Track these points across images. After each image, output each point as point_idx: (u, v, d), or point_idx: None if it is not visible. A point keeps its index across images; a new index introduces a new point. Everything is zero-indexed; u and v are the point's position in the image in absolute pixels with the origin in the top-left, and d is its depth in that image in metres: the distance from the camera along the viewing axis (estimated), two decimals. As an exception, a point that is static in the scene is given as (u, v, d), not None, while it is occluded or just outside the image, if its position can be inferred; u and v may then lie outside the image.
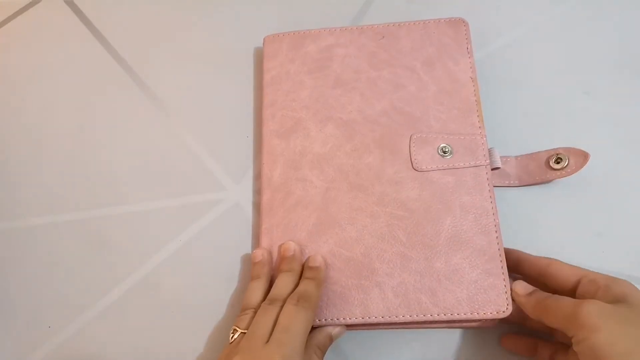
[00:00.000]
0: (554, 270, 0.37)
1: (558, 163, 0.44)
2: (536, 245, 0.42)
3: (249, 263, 0.44)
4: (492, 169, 0.44)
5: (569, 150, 0.44)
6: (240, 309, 0.39)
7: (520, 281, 0.39)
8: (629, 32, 0.50)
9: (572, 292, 0.36)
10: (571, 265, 0.37)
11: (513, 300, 0.38)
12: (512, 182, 0.46)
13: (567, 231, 0.44)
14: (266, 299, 0.38)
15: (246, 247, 0.45)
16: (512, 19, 0.52)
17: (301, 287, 0.39)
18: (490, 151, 0.44)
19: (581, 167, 0.44)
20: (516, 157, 0.46)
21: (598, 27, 0.51)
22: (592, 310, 0.32)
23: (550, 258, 0.38)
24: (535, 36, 0.51)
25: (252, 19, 0.54)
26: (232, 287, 0.43)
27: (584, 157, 0.44)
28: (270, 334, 0.35)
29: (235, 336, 0.37)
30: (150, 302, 0.44)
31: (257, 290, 0.40)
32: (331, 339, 0.40)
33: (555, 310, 0.34)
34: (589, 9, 0.52)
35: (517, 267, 0.40)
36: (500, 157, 0.45)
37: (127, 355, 0.42)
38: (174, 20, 0.55)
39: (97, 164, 0.49)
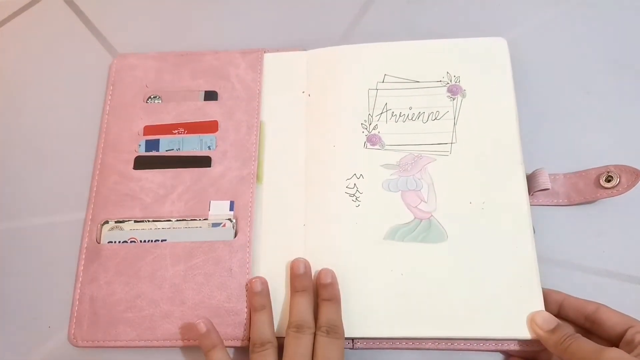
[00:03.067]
0: (602, 316, 0.37)
1: (609, 181, 0.42)
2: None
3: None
4: (541, 190, 0.43)
5: (620, 167, 0.42)
6: (251, 344, 0.39)
7: (542, 312, 0.38)
8: (629, 31, 0.50)
9: (617, 339, 0.35)
10: (620, 313, 0.36)
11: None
12: (560, 200, 0.44)
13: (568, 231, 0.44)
14: (292, 325, 0.39)
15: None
16: (511, 19, 0.51)
17: (324, 314, 0.39)
18: (538, 172, 0.43)
19: (633, 185, 0.41)
20: (564, 174, 0.44)
21: (598, 27, 0.50)
22: (612, 358, 0.32)
23: (597, 303, 0.38)
24: (536, 36, 0.50)
25: (253, 19, 0.53)
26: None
27: (635, 175, 0.41)
28: None
29: None
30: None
31: (265, 323, 0.39)
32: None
33: (577, 354, 0.34)
34: (589, 9, 0.51)
35: (560, 309, 0.39)
36: (549, 174, 0.43)
37: (127, 355, 0.42)
38: (176, 21, 0.54)
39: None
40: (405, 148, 0.44)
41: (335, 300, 0.40)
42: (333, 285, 0.40)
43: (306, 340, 0.38)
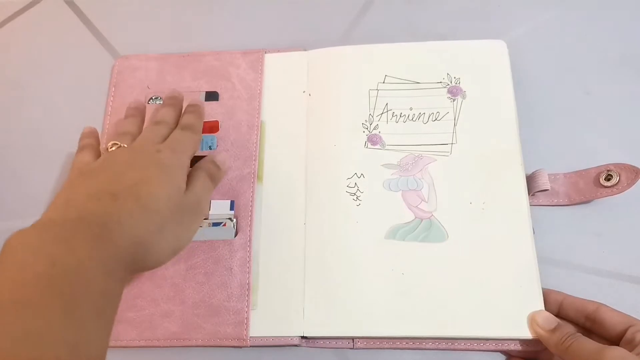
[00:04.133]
0: (602, 316, 0.36)
1: (608, 180, 0.42)
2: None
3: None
4: (541, 191, 0.42)
5: (620, 166, 0.42)
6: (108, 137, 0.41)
7: (542, 312, 0.38)
8: (629, 31, 0.50)
9: (617, 338, 0.35)
10: (620, 312, 0.36)
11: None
12: (560, 200, 0.44)
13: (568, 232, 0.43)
14: (150, 122, 0.41)
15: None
16: (511, 19, 0.51)
17: (184, 118, 0.41)
18: (538, 173, 0.43)
19: (633, 183, 0.41)
20: (564, 174, 0.44)
21: (598, 28, 0.50)
22: (614, 357, 0.32)
23: (597, 302, 0.37)
24: (535, 36, 0.50)
25: (254, 20, 0.53)
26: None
27: (635, 173, 0.41)
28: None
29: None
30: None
31: (132, 123, 0.41)
32: (217, 166, 0.40)
33: (578, 353, 0.34)
34: (587, 10, 0.51)
35: (560, 309, 0.39)
36: (548, 174, 0.43)
37: (128, 354, 0.42)
38: (176, 22, 0.54)
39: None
40: (405, 148, 0.45)
41: (197, 112, 0.42)
42: (198, 105, 0.42)
43: (161, 130, 0.39)
